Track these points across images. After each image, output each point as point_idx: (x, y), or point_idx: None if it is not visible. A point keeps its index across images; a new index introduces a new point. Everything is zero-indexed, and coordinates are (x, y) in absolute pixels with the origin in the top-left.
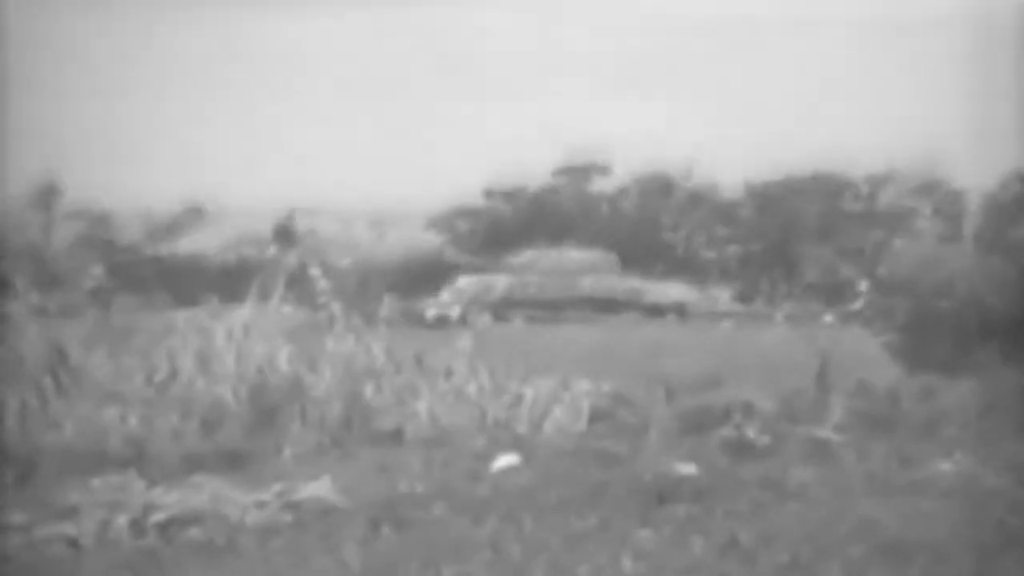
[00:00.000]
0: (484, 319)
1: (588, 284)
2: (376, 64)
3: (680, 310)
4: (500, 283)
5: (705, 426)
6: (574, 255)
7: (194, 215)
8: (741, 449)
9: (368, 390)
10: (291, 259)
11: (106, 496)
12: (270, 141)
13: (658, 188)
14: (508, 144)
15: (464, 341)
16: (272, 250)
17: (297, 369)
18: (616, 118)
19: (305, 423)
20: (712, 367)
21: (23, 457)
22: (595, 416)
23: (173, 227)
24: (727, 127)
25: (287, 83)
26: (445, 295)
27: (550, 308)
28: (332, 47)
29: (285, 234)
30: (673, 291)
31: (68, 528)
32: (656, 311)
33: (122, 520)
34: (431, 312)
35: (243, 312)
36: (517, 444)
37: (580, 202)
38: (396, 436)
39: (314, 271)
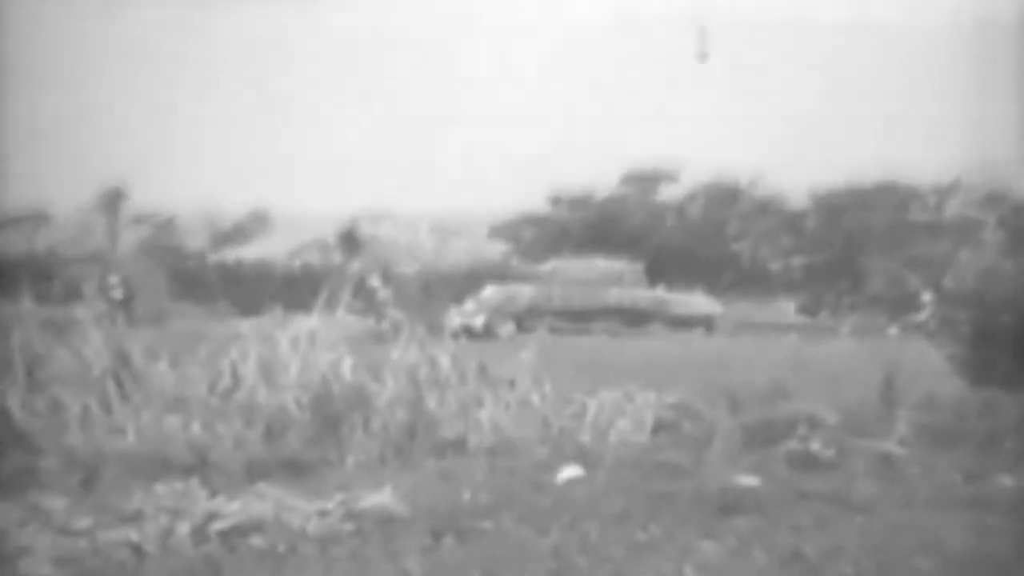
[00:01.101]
0: (508, 329)
1: (614, 295)
2: (440, 72)
3: (707, 322)
4: (525, 293)
5: (769, 439)
6: (600, 265)
7: (259, 221)
8: (805, 462)
9: (431, 399)
10: (355, 267)
11: (169, 503)
12: (335, 147)
13: (724, 197)
14: (575, 152)
15: (527, 352)
16: (337, 257)
17: (361, 378)
18: (683, 126)
19: (368, 432)
20: (777, 379)
21: (87, 462)
22: (659, 427)
23: (238, 233)
24: (793, 135)
25: (352, 89)
26: (469, 305)
27: (575, 319)
28: (398, 52)
29: (349, 241)
30: (700, 303)
31: (131, 533)
32: (683, 323)
33: (184, 527)
34: (455, 322)
35: (308, 321)
36: (581, 455)
37: (646, 211)
38: (459, 446)
39: (374, 282)
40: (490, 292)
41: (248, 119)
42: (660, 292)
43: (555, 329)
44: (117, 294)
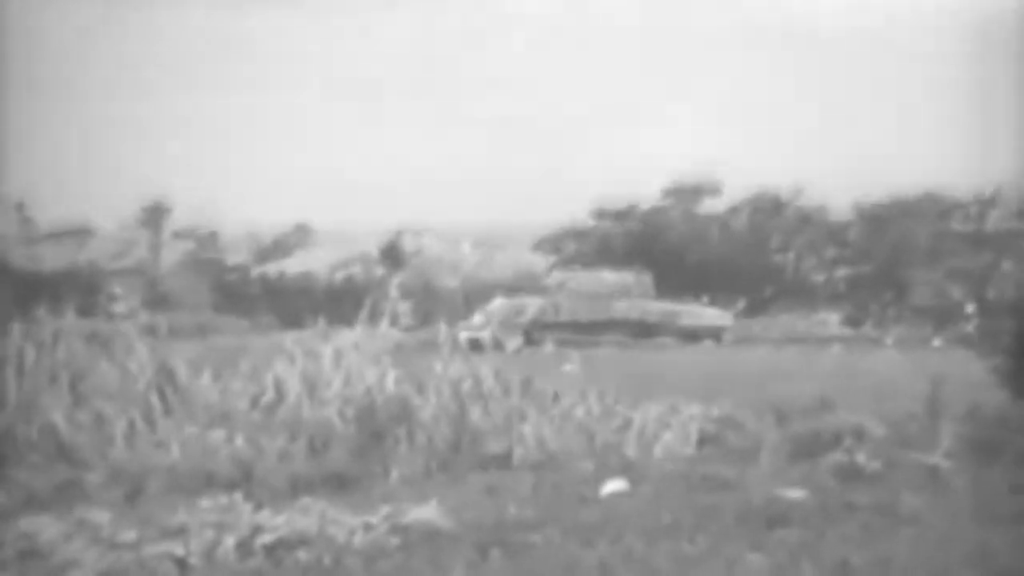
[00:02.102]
0: (515, 342)
1: (621, 307)
2: (482, 87)
3: (716, 334)
4: (532, 305)
5: (815, 451)
6: (608, 277)
7: (301, 235)
8: (852, 474)
9: (475, 413)
10: (398, 280)
11: (213, 517)
12: (377, 161)
13: (767, 209)
14: (618, 164)
15: (571, 365)
16: (379, 271)
17: (404, 392)
18: (725, 139)
19: (412, 446)
20: (822, 391)
21: (132, 476)
22: (704, 440)
23: (280, 247)
24: (834, 147)
25: (395, 104)
26: (477, 318)
27: (583, 331)
28: (440, 67)
29: (392, 254)
30: (709, 315)
31: (176, 547)
32: (691, 335)
33: (230, 541)
34: (463, 335)
35: (351, 334)
36: (626, 468)
37: (689, 223)
38: (504, 460)
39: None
40: (497, 305)
41: (290, 134)
42: (668, 304)
43: (562, 342)
44: (120, 307)
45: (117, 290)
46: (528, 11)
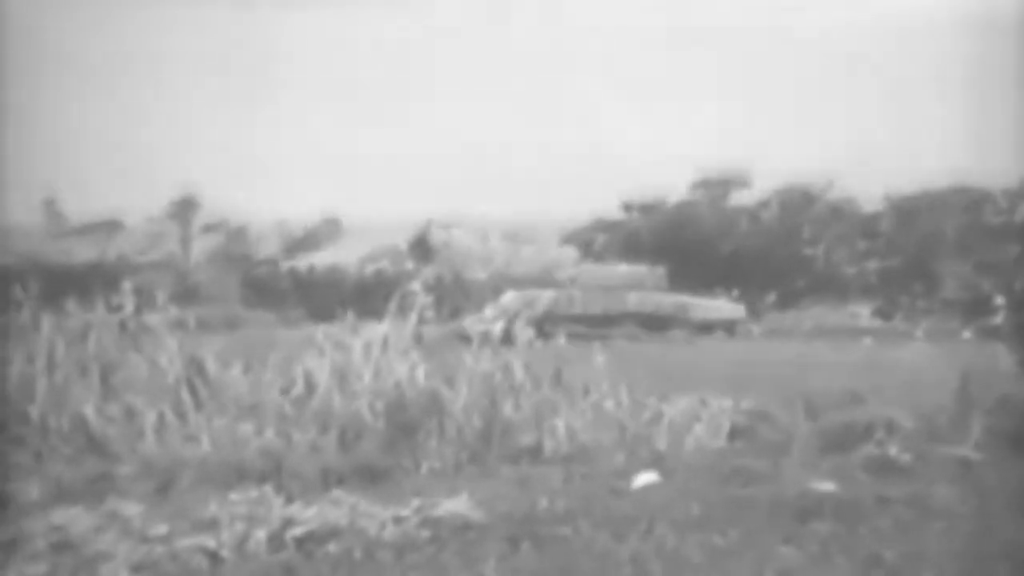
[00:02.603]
0: (528, 334)
1: (634, 299)
2: (513, 78)
3: (729, 327)
4: (545, 298)
5: (847, 443)
6: (621, 270)
7: (331, 228)
8: (883, 467)
9: (506, 406)
10: (428, 273)
11: (244, 509)
12: (406, 154)
13: (798, 201)
14: (647, 157)
15: (601, 357)
16: (409, 264)
17: (435, 385)
18: (754, 131)
19: (443, 439)
20: (853, 384)
21: (163, 469)
22: (735, 433)
23: (309, 240)
24: (865, 139)
25: (423, 95)
26: (489, 310)
27: (595, 324)
28: (469, 58)
29: (421, 247)
30: (722, 307)
31: (207, 540)
32: (704, 328)
33: (261, 533)
34: (475, 328)
35: (381, 327)
36: (657, 461)
37: (719, 216)
38: (535, 452)
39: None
40: (510, 297)
41: (319, 126)
42: (681, 297)
43: (574, 335)
44: (128, 303)
45: (127, 285)
46: (557, 5)
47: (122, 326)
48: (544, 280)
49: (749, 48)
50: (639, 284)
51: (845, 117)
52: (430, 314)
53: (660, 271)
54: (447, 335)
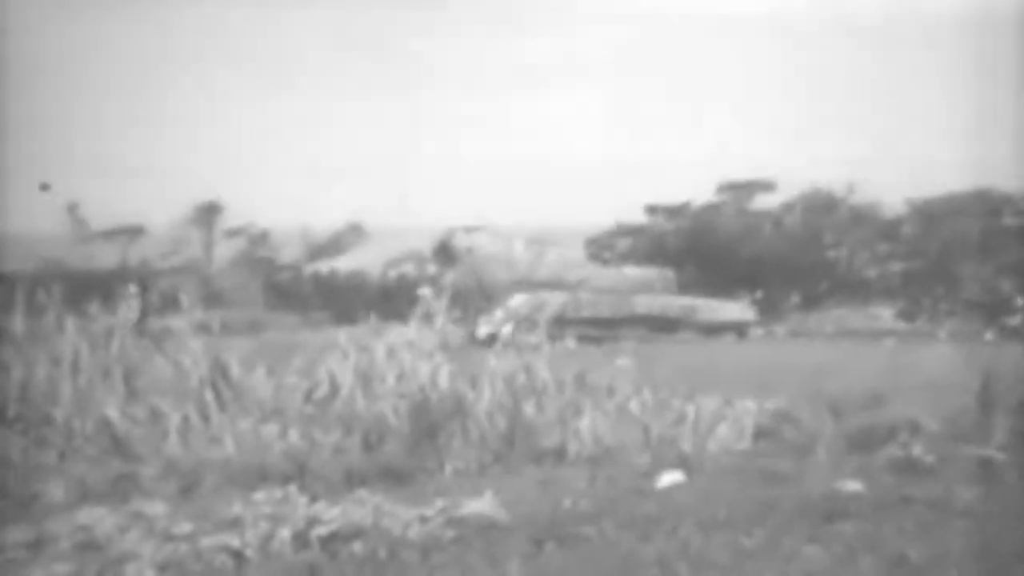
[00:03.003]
0: (537, 338)
1: (643, 303)
2: (535, 85)
3: (739, 329)
4: (553, 301)
5: (871, 444)
6: (630, 273)
7: (354, 233)
8: (907, 467)
9: (529, 407)
10: (450, 278)
11: (268, 509)
12: (429, 159)
13: (821, 205)
14: (671, 161)
15: (625, 359)
16: (432, 268)
17: (458, 387)
18: (778, 135)
19: (467, 440)
20: (876, 385)
21: (187, 470)
22: (759, 434)
23: (333, 245)
24: (888, 143)
25: (446, 101)
26: (498, 313)
27: (603, 327)
28: (494, 67)
29: (444, 252)
30: (731, 310)
31: (232, 539)
32: (714, 330)
33: (285, 533)
34: (483, 331)
35: (404, 330)
36: (681, 462)
37: (743, 220)
38: (558, 453)
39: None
40: (518, 301)
41: (342, 132)
42: (690, 299)
43: (583, 337)
44: (133, 306)
45: (132, 289)
46: (580, 7)
47: (138, 330)
48: (558, 284)
49: (772, 51)
50: (647, 287)
51: (865, 121)
52: (443, 318)
53: (669, 274)
54: (461, 338)
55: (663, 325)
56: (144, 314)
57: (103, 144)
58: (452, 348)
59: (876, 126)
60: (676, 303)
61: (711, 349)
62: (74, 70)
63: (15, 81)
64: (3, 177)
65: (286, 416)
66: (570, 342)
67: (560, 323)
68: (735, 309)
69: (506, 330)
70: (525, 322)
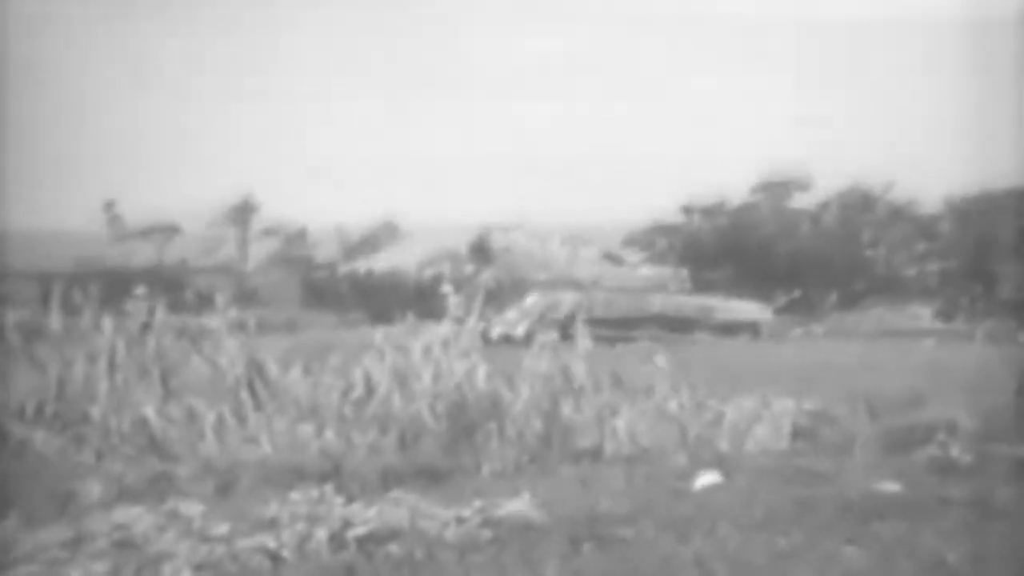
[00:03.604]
0: (551, 337)
1: (657, 302)
2: (571, 81)
3: (754, 329)
4: (567, 301)
5: (909, 444)
6: (644, 272)
7: (389, 232)
8: (945, 468)
9: (566, 407)
10: (487, 276)
11: (305, 509)
12: (465, 157)
13: (858, 204)
14: (707, 160)
15: (662, 359)
16: (468, 267)
17: (495, 386)
18: (815, 133)
19: (503, 440)
20: (914, 385)
21: (223, 470)
22: (797, 434)
23: (368, 244)
24: (924, 141)
25: (480, 99)
26: (511, 313)
27: (618, 326)
28: (530, 62)
29: (481, 251)
30: (746, 309)
31: (268, 540)
32: (728, 330)
33: (321, 533)
34: (497, 330)
35: (440, 329)
36: (719, 462)
37: (780, 218)
38: (595, 454)
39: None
40: (533, 300)
41: (378, 130)
42: (704, 299)
43: (597, 337)
44: (140, 310)
45: (139, 291)
46: (611, 5)
47: (143, 328)
48: (596, 284)
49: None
50: (662, 286)
51: (908, 118)
52: (458, 314)
53: (683, 273)
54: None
55: (678, 325)
56: (151, 314)
57: (139, 144)
58: (487, 347)
59: (911, 123)
60: (691, 302)
61: (749, 348)
62: (109, 74)
63: (46, 80)
64: (36, 175)
65: (322, 416)
66: (586, 341)
67: (574, 323)
68: (751, 309)
69: (520, 330)
70: (540, 321)
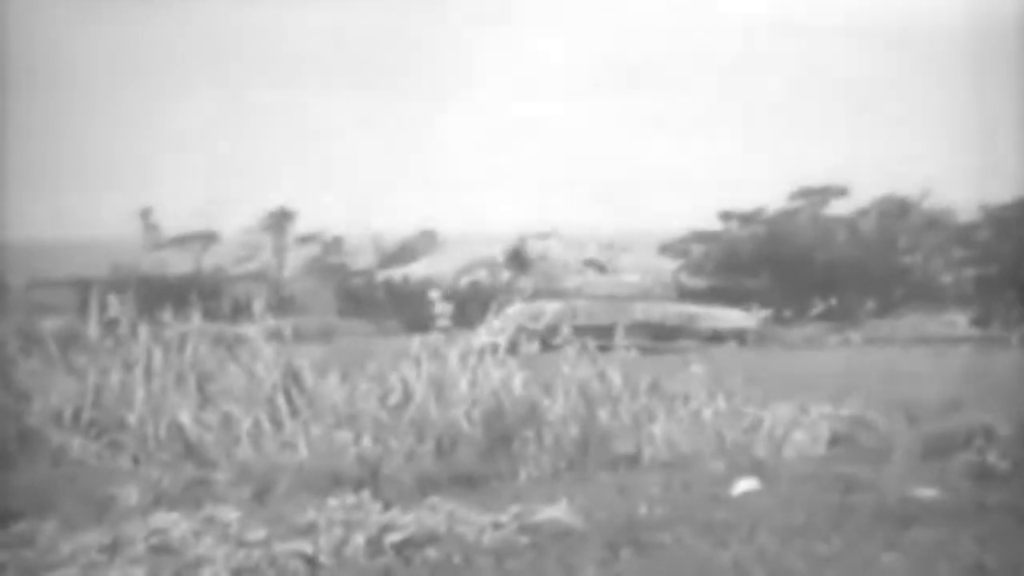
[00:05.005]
0: (533, 346)
1: (640, 310)
2: (611, 90)
3: (740, 336)
4: (550, 310)
5: (947, 450)
6: (628, 280)
7: (426, 240)
8: (983, 474)
9: (603, 414)
10: (524, 284)
11: (342, 515)
12: (502, 165)
13: (895, 211)
14: (745, 167)
15: (698, 366)
16: (505, 275)
17: (532, 393)
18: (853, 141)
19: (541, 447)
20: (951, 391)
21: (259, 475)
22: (835, 440)
23: (405, 252)
24: (962, 148)
25: (520, 107)
26: (496, 322)
27: (600, 335)
28: (562, 72)
29: (517, 259)
30: (732, 317)
31: (305, 545)
32: (714, 337)
33: (359, 539)
34: (480, 339)
35: (477, 337)
36: (756, 468)
37: (817, 226)
38: (633, 460)
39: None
40: (516, 309)
41: (415, 139)
42: (689, 306)
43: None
44: (116, 314)
45: (112, 298)
46: (656, 12)
47: (166, 347)
48: (645, 292)
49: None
50: (646, 294)
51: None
52: (445, 323)
53: (667, 280)
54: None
55: (663, 332)
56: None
57: (176, 151)
58: (526, 355)
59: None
60: (675, 310)
61: (786, 355)
62: (150, 76)
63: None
64: (75, 182)
65: (359, 422)
66: (570, 350)
67: (557, 332)
68: (737, 316)
69: (501, 339)
70: (522, 331)
